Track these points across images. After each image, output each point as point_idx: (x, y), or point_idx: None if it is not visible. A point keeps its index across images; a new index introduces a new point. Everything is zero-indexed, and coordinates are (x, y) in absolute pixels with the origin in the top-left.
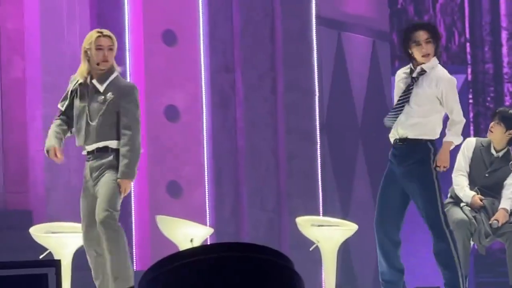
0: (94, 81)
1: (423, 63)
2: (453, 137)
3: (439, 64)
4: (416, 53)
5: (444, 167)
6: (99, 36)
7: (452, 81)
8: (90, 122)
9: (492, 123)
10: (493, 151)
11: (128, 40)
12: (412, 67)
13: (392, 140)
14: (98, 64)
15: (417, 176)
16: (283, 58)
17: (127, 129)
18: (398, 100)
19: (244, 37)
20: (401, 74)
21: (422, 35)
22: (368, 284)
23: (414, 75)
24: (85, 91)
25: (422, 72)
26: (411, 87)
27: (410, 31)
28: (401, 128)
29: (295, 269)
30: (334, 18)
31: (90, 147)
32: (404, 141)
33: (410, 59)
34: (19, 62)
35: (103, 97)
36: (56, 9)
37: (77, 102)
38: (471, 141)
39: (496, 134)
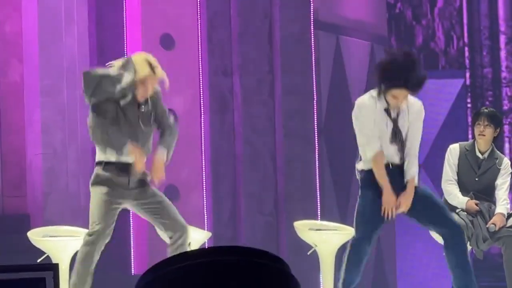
0: None
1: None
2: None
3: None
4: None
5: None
6: (149, 74)
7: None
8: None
9: (481, 128)
10: (478, 154)
11: (126, 44)
12: None
13: None
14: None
15: None
16: (281, 62)
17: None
18: None
19: (242, 41)
20: None
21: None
22: None
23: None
24: None
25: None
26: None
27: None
28: None
29: (293, 273)
30: (332, 22)
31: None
32: None
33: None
34: (16, 65)
35: None
36: (54, 12)
37: None
38: (455, 148)
39: (488, 136)
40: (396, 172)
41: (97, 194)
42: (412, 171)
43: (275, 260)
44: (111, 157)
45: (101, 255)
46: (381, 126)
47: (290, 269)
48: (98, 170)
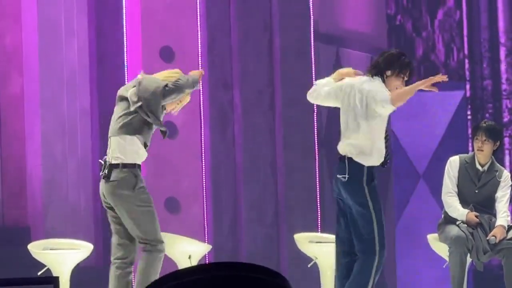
0: None
1: None
2: None
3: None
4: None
5: None
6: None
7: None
8: None
9: (479, 143)
10: (478, 166)
11: (126, 56)
12: None
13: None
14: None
15: None
16: (281, 73)
17: None
18: None
19: (242, 52)
20: None
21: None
22: None
23: None
24: None
25: None
26: None
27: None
28: None
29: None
30: (332, 34)
31: None
32: None
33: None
34: (17, 77)
35: None
36: (54, 24)
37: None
38: (455, 160)
39: (486, 152)
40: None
41: (148, 196)
42: None
43: (274, 275)
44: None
45: (102, 268)
46: None
47: (289, 284)
48: (135, 171)
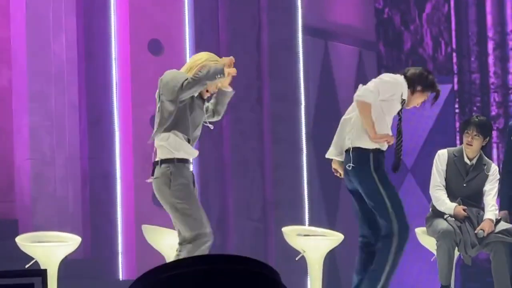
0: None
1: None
2: None
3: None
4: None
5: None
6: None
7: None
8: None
9: (469, 138)
10: (466, 160)
11: (115, 49)
12: None
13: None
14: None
15: None
16: (269, 67)
17: None
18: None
19: (230, 46)
20: None
21: None
22: None
23: None
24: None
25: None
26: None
27: None
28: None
29: (281, 281)
30: (320, 28)
31: None
32: None
33: None
34: (5, 71)
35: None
36: (42, 18)
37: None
38: (443, 154)
39: (475, 147)
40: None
41: (185, 193)
42: None
43: (263, 267)
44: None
45: (89, 261)
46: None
47: (279, 276)
48: (173, 167)
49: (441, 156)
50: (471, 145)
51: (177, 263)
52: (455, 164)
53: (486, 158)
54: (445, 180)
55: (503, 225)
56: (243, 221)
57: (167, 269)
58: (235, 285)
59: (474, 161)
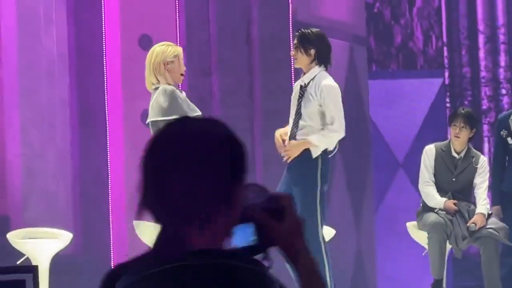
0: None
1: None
2: (315, 138)
3: (323, 72)
4: None
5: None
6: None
7: (332, 89)
8: None
9: (456, 130)
10: (454, 154)
11: (105, 45)
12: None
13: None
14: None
15: None
16: (260, 62)
17: None
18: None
19: (221, 41)
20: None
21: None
22: None
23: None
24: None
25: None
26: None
27: None
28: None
29: (269, 274)
30: (311, 23)
31: None
32: None
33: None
34: None
35: None
36: (33, 13)
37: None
38: (431, 149)
39: (463, 138)
40: None
41: None
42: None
43: (249, 261)
44: None
45: (81, 256)
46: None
47: (266, 269)
48: None
49: (429, 152)
50: (458, 137)
51: (160, 259)
52: (442, 159)
53: (474, 150)
54: (434, 175)
55: (494, 221)
56: None
57: (151, 266)
58: (221, 279)
59: (462, 155)
